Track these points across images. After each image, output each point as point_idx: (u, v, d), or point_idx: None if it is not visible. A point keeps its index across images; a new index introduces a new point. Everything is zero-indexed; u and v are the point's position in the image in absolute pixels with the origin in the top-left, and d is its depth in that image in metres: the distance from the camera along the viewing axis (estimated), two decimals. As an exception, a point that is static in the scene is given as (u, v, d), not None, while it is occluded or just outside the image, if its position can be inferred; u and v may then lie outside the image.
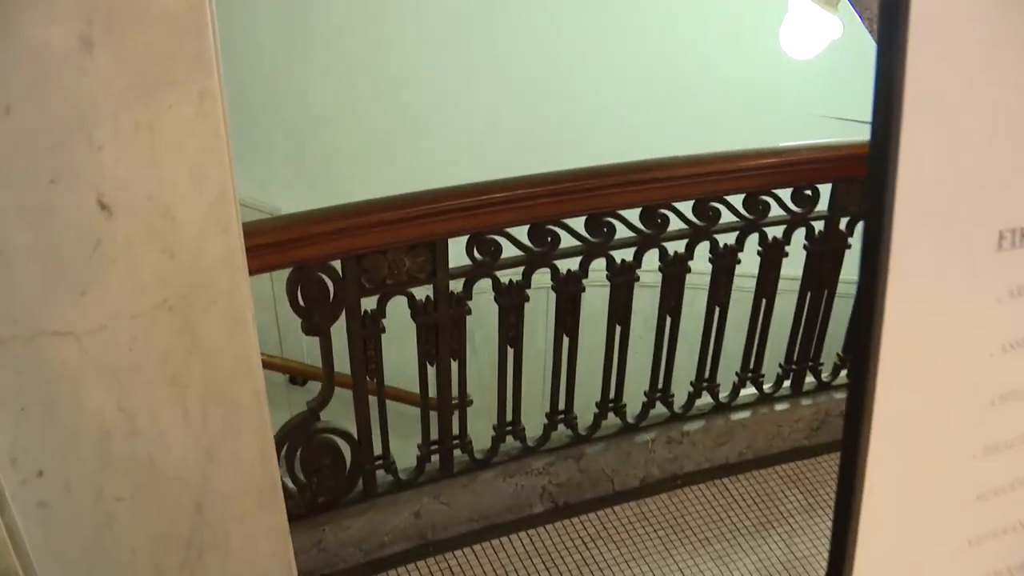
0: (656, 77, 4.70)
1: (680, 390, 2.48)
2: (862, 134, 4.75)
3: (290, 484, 2.06)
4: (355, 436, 2.08)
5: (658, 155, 2.14)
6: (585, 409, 2.39)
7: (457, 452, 2.25)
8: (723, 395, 2.53)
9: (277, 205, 4.10)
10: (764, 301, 2.42)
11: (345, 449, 2.09)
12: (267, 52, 3.98)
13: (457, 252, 2.00)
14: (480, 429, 2.33)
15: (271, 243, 1.75)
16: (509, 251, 2.03)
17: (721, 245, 2.28)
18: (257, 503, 1.38)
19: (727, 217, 2.23)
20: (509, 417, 2.28)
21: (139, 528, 1.29)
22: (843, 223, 2.38)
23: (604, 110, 4.70)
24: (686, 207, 2.17)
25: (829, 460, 2.58)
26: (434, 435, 2.19)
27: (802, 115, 4.82)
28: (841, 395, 2.63)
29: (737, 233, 2.28)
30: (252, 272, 1.78)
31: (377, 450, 2.14)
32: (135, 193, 1.05)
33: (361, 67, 4.18)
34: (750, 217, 2.25)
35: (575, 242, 2.10)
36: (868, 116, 0.54)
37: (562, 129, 4.63)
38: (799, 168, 2.25)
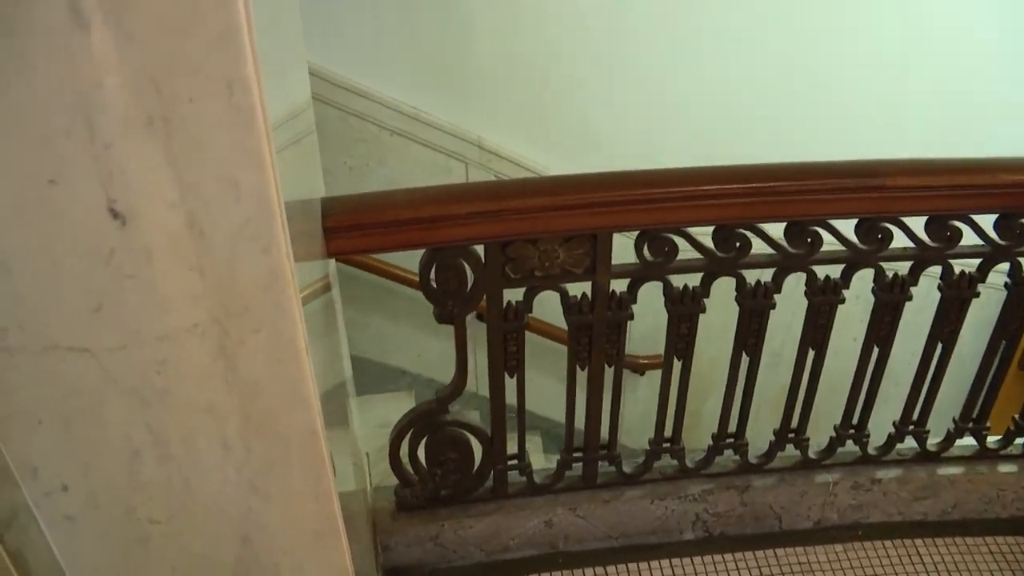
0: (892, 54, 4.08)
1: (879, 429, 2.09)
2: None
3: (411, 472, 1.90)
4: (488, 433, 1.87)
5: (890, 153, 1.74)
6: (760, 436, 2.06)
7: (603, 464, 2.00)
8: (932, 442, 2.11)
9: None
10: (1004, 342, 1.97)
11: (477, 444, 1.89)
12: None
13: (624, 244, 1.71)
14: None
15: (405, 220, 1.53)
16: (687, 252, 1.72)
17: (956, 272, 1.85)
18: (313, 541, 1.20)
19: (969, 239, 1.80)
20: (668, 433, 2.00)
21: (177, 550, 1.15)
22: None
23: (829, 94, 4.14)
24: (917, 223, 1.76)
25: (1059, 543, 2.11)
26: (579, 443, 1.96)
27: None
28: (1093, 465, 2.13)
29: (980, 260, 1.84)
30: (382, 251, 1.61)
31: (512, 449, 1.93)
32: (152, 199, 0.85)
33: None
34: (1002, 243, 1.80)
35: (769, 250, 1.75)
36: None
37: (782, 117, 4.14)
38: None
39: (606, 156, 3.94)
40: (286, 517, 1.16)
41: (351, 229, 1.49)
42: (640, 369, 4.55)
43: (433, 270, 1.62)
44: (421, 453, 1.88)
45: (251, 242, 0.91)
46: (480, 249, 1.62)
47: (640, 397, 4.74)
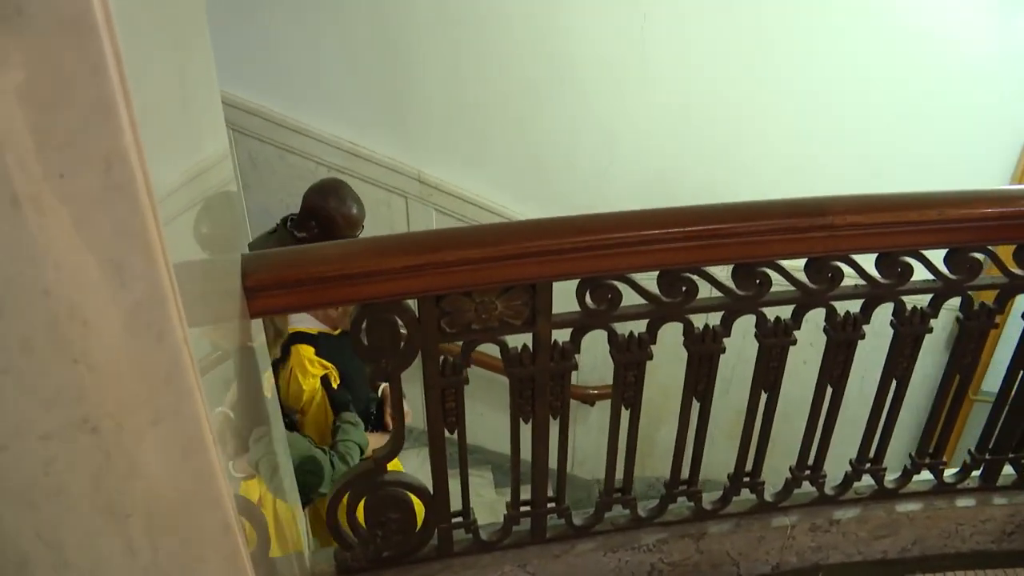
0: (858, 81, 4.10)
1: (835, 469, 2.03)
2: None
3: (350, 534, 1.80)
4: (429, 491, 1.78)
5: (845, 185, 1.70)
6: (715, 466, 1.99)
7: (552, 517, 1.91)
8: (889, 479, 2.06)
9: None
10: (958, 376, 1.93)
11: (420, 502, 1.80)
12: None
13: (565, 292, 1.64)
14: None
15: (332, 276, 1.44)
16: (633, 297, 1.65)
17: (909, 308, 1.81)
18: (235, 641, 1.10)
19: (921, 274, 1.75)
20: (619, 482, 1.92)
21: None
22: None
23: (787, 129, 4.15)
24: (867, 260, 1.71)
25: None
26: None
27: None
28: (1050, 497, 2.10)
29: (932, 296, 1.80)
30: (310, 308, 1.52)
31: (456, 505, 1.84)
32: (25, 287, 0.76)
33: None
34: (953, 277, 1.76)
35: (717, 293, 1.69)
36: None
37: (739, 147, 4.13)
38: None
39: (555, 192, 3.88)
40: (201, 618, 1.06)
41: (274, 288, 1.40)
42: (590, 400, 4.49)
43: (364, 326, 1.53)
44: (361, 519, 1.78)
45: (142, 330, 0.81)
46: (413, 303, 1.53)
47: (592, 426, 4.68)
